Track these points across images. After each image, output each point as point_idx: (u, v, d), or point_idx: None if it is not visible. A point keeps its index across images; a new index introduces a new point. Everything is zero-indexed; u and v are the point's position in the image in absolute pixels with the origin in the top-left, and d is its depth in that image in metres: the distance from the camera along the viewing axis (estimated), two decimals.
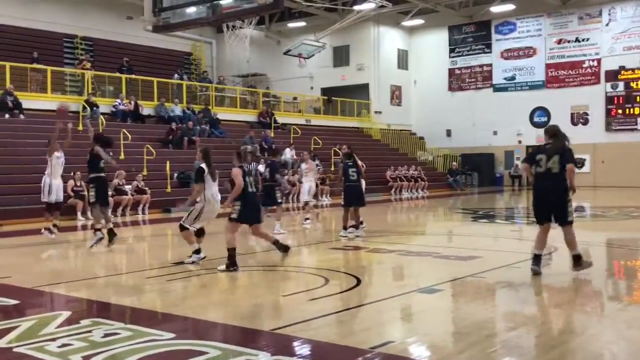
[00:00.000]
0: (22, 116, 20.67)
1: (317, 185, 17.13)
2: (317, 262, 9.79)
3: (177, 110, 25.00)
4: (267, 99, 31.16)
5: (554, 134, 8.00)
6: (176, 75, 28.79)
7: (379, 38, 34.19)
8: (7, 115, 20.34)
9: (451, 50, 34.99)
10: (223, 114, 27.19)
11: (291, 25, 34.69)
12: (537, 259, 7.96)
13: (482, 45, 34.13)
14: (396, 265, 9.55)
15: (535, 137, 32.46)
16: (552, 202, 7.93)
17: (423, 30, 35.50)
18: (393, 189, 26.82)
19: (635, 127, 29.99)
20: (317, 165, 17.45)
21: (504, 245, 11.35)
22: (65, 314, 6.13)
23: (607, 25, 30.74)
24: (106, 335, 5.29)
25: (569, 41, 31.73)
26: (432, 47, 35.32)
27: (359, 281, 7.72)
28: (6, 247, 12.03)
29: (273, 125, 27.77)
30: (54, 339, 5.18)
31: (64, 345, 5.03)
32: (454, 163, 31.86)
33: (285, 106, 31.93)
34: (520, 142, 32.96)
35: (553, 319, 6.12)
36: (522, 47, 32.94)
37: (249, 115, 28.89)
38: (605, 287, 7.76)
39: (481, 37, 34.08)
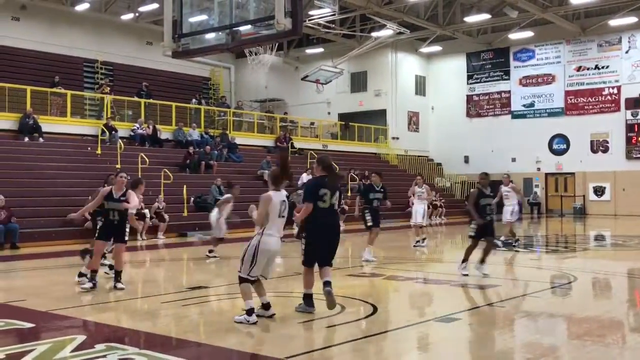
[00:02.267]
0: (41, 139, 20.95)
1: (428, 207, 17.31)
2: (334, 289, 9.72)
3: (195, 134, 25.20)
4: (284, 124, 31.33)
5: (329, 165, 7.41)
6: (194, 100, 29.08)
7: (396, 64, 34.36)
8: (26, 139, 20.63)
9: (469, 77, 35.05)
10: (240, 138, 27.37)
11: (309, 51, 35.00)
12: (308, 298, 7.37)
13: (500, 72, 34.16)
14: (413, 293, 9.49)
15: (554, 164, 32.28)
16: (335, 242, 7.32)
17: (441, 57, 35.62)
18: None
19: None
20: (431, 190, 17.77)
21: (523, 274, 11.22)
22: (80, 338, 6.15)
23: (627, 52, 30.66)
24: None
25: (588, 68, 31.66)
26: (450, 74, 35.41)
27: (375, 309, 7.68)
28: (23, 269, 12.14)
29: (290, 150, 27.87)
30: None
31: None
32: (472, 190, 31.64)
33: (302, 131, 32.05)
34: (539, 169, 32.77)
35: (572, 350, 6.03)
36: (540, 74, 32.91)
37: (266, 140, 29.04)
38: (626, 318, 7.63)
39: (499, 64, 34.13)
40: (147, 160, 20.67)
